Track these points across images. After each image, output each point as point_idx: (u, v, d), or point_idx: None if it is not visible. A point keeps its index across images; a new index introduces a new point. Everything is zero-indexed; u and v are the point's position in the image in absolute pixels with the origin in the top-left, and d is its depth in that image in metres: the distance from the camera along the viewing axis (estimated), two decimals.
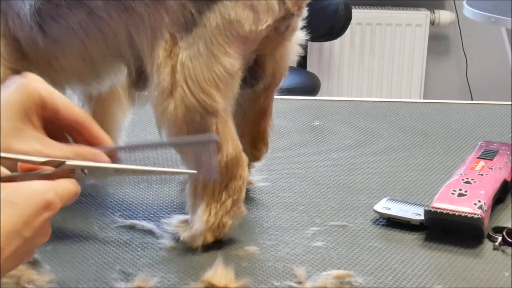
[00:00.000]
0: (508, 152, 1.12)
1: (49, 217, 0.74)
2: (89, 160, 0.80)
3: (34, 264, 0.88)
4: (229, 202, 0.92)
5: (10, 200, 0.72)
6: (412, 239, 0.97)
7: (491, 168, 1.06)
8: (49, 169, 0.77)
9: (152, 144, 0.89)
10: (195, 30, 0.89)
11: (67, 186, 0.77)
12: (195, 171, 0.87)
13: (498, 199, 1.05)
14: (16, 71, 0.99)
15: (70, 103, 0.83)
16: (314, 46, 3.35)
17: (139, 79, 0.96)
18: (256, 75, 0.98)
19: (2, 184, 0.72)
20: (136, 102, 1.00)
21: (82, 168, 0.78)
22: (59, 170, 0.77)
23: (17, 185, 0.73)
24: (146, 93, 0.96)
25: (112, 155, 0.82)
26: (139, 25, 0.92)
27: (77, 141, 0.83)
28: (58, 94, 0.83)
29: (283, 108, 1.42)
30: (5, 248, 0.71)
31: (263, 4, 0.88)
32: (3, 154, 0.76)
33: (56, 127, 0.83)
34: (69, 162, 0.78)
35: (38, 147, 0.80)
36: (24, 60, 1.01)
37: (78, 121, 0.83)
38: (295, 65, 1.04)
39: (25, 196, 0.72)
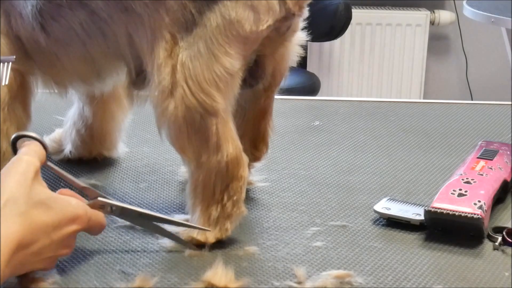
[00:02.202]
0: (508, 152, 1.12)
1: (76, 231, 0.82)
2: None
3: None
4: (229, 203, 0.92)
5: (48, 203, 0.80)
6: (412, 239, 0.97)
7: (491, 168, 1.06)
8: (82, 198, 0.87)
9: (141, 213, 0.93)
10: (196, 30, 0.89)
11: (97, 213, 0.86)
12: (209, 229, 0.92)
13: (498, 199, 1.05)
14: (19, 71, 1.00)
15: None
16: (314, 46, 3.35)
17: (138, 79, 0.96)
18: (256, 75, 0.98)
19: (46, 190, 0.81)
20: (135, 101, 1.00)
21: (111, 206, 0.89)
22: (92, 203, 0.87)
23: (57, 195, 0.82)
24: (145, 92, 0.96)
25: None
26: (138, 26, 0.92)
27: None
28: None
29: (283, 108, 1.42)
30: (34, 241, 0.77)
31: (263, 4, 0.88)
32: (54, 166, 0.85)
33: None
34: (100, 198, 0.88)
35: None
36: (27, 59, 1.01)
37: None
38: (295, 65, 1.04)
39: (61, 205, 0.81)
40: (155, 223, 0.92)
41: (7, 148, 1.02)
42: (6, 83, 0.91)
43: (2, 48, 0.99)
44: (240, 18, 0.88)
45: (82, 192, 0.89)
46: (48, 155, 0.86)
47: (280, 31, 0.94)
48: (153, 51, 0.90)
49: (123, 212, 0.90)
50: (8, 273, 0.76)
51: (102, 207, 0.88)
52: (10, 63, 0.92)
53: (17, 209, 0.76)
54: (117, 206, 0.89)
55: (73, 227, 0.82)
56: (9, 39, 0.99)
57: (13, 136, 0.86)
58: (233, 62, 0.89)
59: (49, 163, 0.87)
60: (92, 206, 0.87)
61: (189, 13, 0.88)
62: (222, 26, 0.88)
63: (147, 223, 0.93)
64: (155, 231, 0.94)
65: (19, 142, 0.85)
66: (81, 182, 0.87)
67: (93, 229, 0.86)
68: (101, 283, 0.85)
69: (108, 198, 0.89)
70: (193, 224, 0.93)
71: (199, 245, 0.93)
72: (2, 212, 0.75)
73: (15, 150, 0.85)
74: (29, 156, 0.82)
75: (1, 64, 0.91)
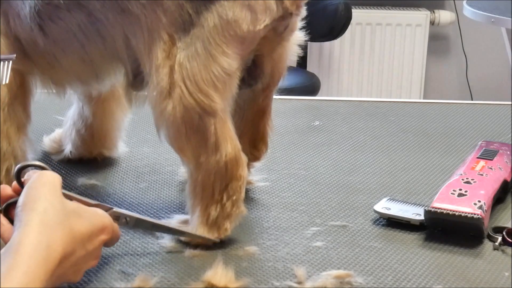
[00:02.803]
0: (508, 152, 1.12)
1: (104, 241, 0.81)
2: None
3: None
4: (229, 202, 0.92)
5: (80, 213, 0.79)
6: (412, 239, 0.97)
7: (491, 168, 1.06)
8: None
9: (153, 224, 0.93)
10: (193, 30, 0.89)
11: (115, 224, 0.85)
12: (218, 240, 0.93)
13: (498, 199, 1.05)
14: (19, 71, 1.00)
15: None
16: (314, 46, 3.35)
17: (136, 80, 0.96)
18: (254, 75, 0.98)
19: (68, 200, 0.79)
20: (133, 102, 1.00)
21: (126, 217, 0.88)
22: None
23: (82, 205, 0.81)
24: (143, 93, 0.96)
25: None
26: (135, 27, 0.92)
27: None
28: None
29: (283, 108, 1.42)
30: (73, 252, 0.76)
31: (260, 4, 0.88)
32: (64, 191, 0.81)
33: None
34: (116, 209, 0.87)
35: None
36: (26, 60, 1.01)
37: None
38: (295, 65, 1.04)
39: (90, 214, 0.80)
40: (169, 226, 0.93)
41: (7, 148, 1.02)
42: (7, 81, 0.91)
43: (2, 49, 0.99)
44: (237, 18, 0.88)
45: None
46: None
47: (277, 30, 0.93)
48: (151, 52, 0.90)
49: (137, 223, 0.89)
50: (50, 286, 0.73)
51: (117, 218, 0.87)
52: (11, 62, 0.91)
53: (57, 217, 0.75)
54: (131, 217, 0.89)
55: (102, 237, 0.81)
56: (8, 40, 0.99)
57: (17, 168, 0.84)
58: (231, 62, 0.89)
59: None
60: None
61: (186, 13, 0.88)
62: (220, 26, 0.88)
63: (160, 230, 0.93)
64: (172, 233, 0.94)
65: (24, 173, 0.83)
66: (91, 200, 0.86)
67: (113, 240, 0.85)
68: (101, 283, 0.85)
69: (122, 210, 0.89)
70: (203, 236, 0.92)
71: (199, 245, 0.93)
72: (43, 220, 0.74)
73: (19, 182, 0.83)
74: (50, 171, 0.81)
75: (2, 62, 0.91)
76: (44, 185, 0.78)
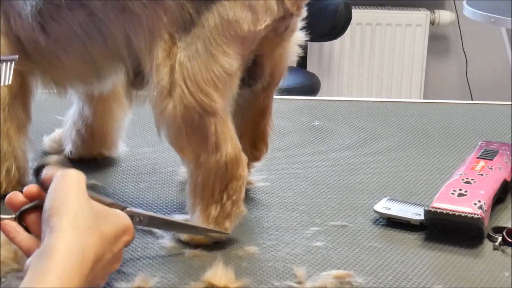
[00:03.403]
0: (508, 152, 1.12)
1: (126, 242, 0.79)
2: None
3: None
4: (229, 202, 0.92)
5: (105, 215, 0.77)
6: (412, 239, 0.97)
7: (491, 168, 1.06)
8: None
9: (168, 221, 0.93)
10: (194, 30, 0.89)
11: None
12: (228, 233, 0.93)
13: (498, 199, 1.05)
14: (19, 71, 1.00)
15: None
16: (314, 46, 3.35)
17: (137, 79, 0.96)
18: (255, 75, 0.98)
19: (93, 201, 0.77)
20: (134, 101, 1.00)
21: (139, 216, 0.87)
22: None
23: (104, 206, 0.79)
24: (144, 92, 0.96)
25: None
26: (136, 26, 0.92)
27: None
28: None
29: (283, 108, 1.42)
30: (104, 254, 0.74)
31: (261, 4, 0.88)
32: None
33: None
34: (130, 208, 0.86)
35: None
36: (26, 59, 1.01)
37: None
38: (295, 65, 1.03)
39: (113, 215, 0.78)
40: (182, 222, 0.92)
41: (7, 148, 1.02)
42: (9, 82, 0.90)
43: (2, 49, 0.99)
44: (238, 18, 0.88)
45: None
46: None
47: (278, 31, 0.94)
48: (152, 51, 0.90)
49: (150, 221, 0.89)
50: None
51: (130, 217, 0.85)
52: (13, 62, 0.91)
53: (87, 220, 0.74)
54: (145, 216, 0.88)
55: (125, 238, 0.79)
56: (9, 40, 1.00)
57: (35, 166, 0.82)
58: (232, 62, 0.89)
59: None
60: None
61: (187, 13, 0.88)
62: (220, 26, 0.88)
63: (173, 228, 0.93)
64: (185, 230, 0.93)
65: (43, 171, 0.82)
66: (107, 198, 0.84)
67: (131, 241, 0.83)
68: None
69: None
70: (216, 229, 0.92)
71: (199, 245, 0.93)
72: (74, 224, 0.72)
73: (38, 180, 0.81)
74: (74, 170, 0.79)
75: (4, 63, 0.91)
76: (70, 187, 0.76)
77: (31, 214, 0.80)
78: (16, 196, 0.81)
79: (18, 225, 0.80)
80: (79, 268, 0.70)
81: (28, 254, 0.78)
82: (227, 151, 0.91)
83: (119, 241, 0.77)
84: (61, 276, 0.68)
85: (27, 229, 0.80)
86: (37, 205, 0.80)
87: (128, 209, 0.85)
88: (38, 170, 0.81)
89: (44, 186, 0.79)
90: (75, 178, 0.77)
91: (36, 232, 0.79)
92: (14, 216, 0.80)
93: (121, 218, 0.79)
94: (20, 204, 0.81)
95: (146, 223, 0.88)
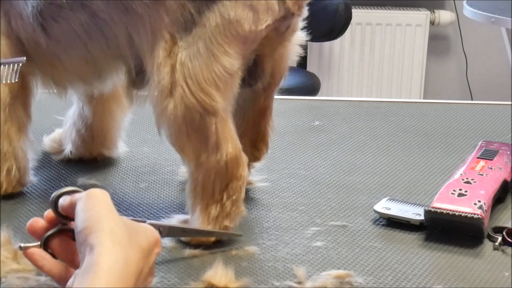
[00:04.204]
0: (508, 152, 1.12)
1: (157, 254, 0.78)
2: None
3: None
4: (229, 202, 0.92)
5: (135, 229, 0.75)
6: (412, 239, 0.97)
7: (491, 168, 1.06)
8: None
9: (192, 230, 0.94)
10: (195, 30, 0.89)
11: None
12: (241, 234, 0.94)
13: (498, 199, 1.05)
14: (20, 71, 1.00)
15: None
16: (314, 46, 3.35)
17: (138, 78, 0.96)
18: (256, 75, 0.98)
19: (122, 217, 0.76)
20: (134, 100, 1.00)
21: (159, 227, 0.86)
22: None
23: (132, 220, 0.78)
24: (145, 92, 0.96)
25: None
26: (139, 26, 0.92)
27: None
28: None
29: (283, 108, 1.42)
30: (143, 269, 0.73)
31: (262, 4, 0.88)
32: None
33: None
34: (149, 222, 0.85)
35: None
36: (27, 60, 1.00)
37: None
38: (295, 65, 1.03)
39: (143, 229, 0.77)
40: (198, 229, 0.93)
41: (8, 149, 1.02)
42: (16, 79, 0.90)
43: (3, 49, 0.99)
44: (239, 18, 0.88)
45: None
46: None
47: (279, 30, 0.94)
48: (153, 51, 0.90)
49: (170, 231, 0.89)
50: None
51: None
52: (20, 64, 0.91)
53: (124, 234, 0.72)
54: (164, 226, 0.88)
55: (156, 250, 0.78)
56: (10, 40, 1.00)
57: (54, 196, 0.80)
58: (232, 61, 0.89)
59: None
60: None
61: (188, 13, 0.88)
62: (222, 26, 0.88)
63: (190, 234, 0.93)
64: (201, 235, 0.93)
65: (61, 201, 0.80)
66: (125, 217, 0.82)
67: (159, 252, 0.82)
68: None
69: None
70: (230, 232, 0.93)
71: (199, 245, 0.93)
72: (114, 239, 0.71)
73: (56, 211, 0.79)
74: (97, 189, 0.78)
75: (12, 65, 0.90)
76: (99, 205, 0.75)
77: (55, 239, 0.79)
78: (37, 223, 0.79)
79: (44, 252, 0.78)
80: (123, 282, 0.69)
81: (59, 280, 0.77)
82: (227, 151, 0.91)
83: (152, 254, 0.76)
84: None
85: (53, 255, 0.79)
86: (60, 229, 0.79)
87: (148, 221, 0.84)
88: (56, 200, 0.79)
89: (64, 214, 0.78)
90: (101, 195, 0.76)
91: (62, 258, 0.78)
92: (39, 243, 0.79)
93: (150, 231, 0.78)
94: (43, 230, 0.79)
95: (166, 234, 0.88)
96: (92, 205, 0.75)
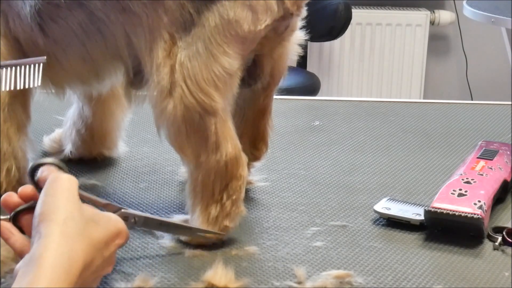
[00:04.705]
0: (508, 152, 1.12)
1: (118, 245, 0.78)
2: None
3: None
4: (228, 202, 0.92)
5: (96, 219, 0.76)
6: (412, 239, 0.97)
7: (491, 168, 1.06)
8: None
9: (162, 222, 0.93)
10: (194, 30, 0.89)
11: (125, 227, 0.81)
12: (224, 233, 0.93)
13: (498, 199, 1.05)
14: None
15: None
16: (314, 46, 3.35)
17: (136, 78, 0.96)
18: (255, 74, 0.98)
19: (87, 205, 0.78)
20: (133, 101, 1.00)
21: (135, 217, 0.87)
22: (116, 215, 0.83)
23: (97, 210, 0.79)
24: (143, 92, 0.96)
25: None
26: (137, 26, 0.92)
27: None
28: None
29: (283, 108, 1.42)
30: (93, 260, 0.74)
31: (261, 4, 0.88)
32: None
33: None
34: (125, 210, 0.86)
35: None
36: None
37: None
38: (295, 65, 1.04)
39: (105, 220, 0.77)
40: (177, 223, 0.92)
41: (7, 148, 1.02)
42: (39, 84, 0.88)
43: (1, 49, 0.99)
44: (239, 18, 0.88)
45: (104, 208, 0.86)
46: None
47: (278, 30, 0.94)
48: (152, 51, 0.90)
49: (146, 222, 0.88)
50: None
51: (125, 218, 0.85)
52: (41, 64, 0.89)
53: (76, 227, 0.73)
54: (140, 217, 0.88)
55: (117, 242, 0.78)
56: (8, 40, 0.99)
57: (30, 167, 0.81)
58: (232, 61, 0.89)
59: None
60: None
61: (187, 13, 0.88)
62: (221, 26, 0.88)
63: (169, 229, 0.92)
64: (180, 232, 0.93)
65: (38, 172, 0.81)
66: (101, 199, 0.85)
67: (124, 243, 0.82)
68: (101, 283, 0.85)
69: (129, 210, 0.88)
70: (211, 230, 0.92)
71: (199, 245, 0.93)
72: (63, 231, 0.72)
73: (33, 181, 0.81)
74: (66, 174, 0.79)
75: (32, 65, 0.89)
76: (61, 192, 0.76)
77: (26, 215, 0.80)
78: (11, 197, 0.81)
79: (12, 226, 0.79)
80: (66, 276, 0.69)
81: (21, 255, 0.77)
82: (227, 151, 0.91)
83: (110, 245, 0.77)
84: (50, 285, 0.68)
85: (21, 230, 0.80)
86: (32, 206, 0.79)
87: (123, 210, 0.85)
88: (33, 171, 0.81)
89: (39, 187, 0.79)
90: (67, 182, 0.77)
91: (30, 234, 0.78)
92: (8, 217, 0.80)
93: (113, 222, 0.78)
94: (15, 205, 0.80)
95: (141, 224, 0.88)
96: (53, 191, 0.76)
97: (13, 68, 0.87)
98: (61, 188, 0.76)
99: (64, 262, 0.70)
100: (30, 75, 0.88)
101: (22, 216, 0.80)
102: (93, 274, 0.75)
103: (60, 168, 0.82)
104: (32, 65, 0.88)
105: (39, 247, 0.71)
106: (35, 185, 0.80)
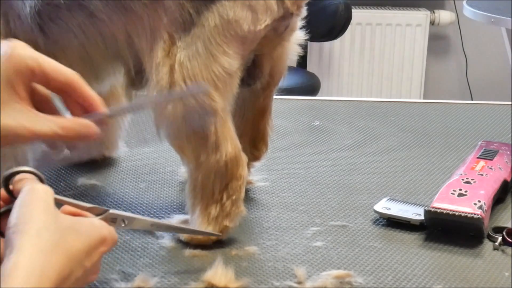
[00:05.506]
0: (508, 152, 1.12)
1: (103, 253, 0.74)
2: (81, 133, 0.81)
3: None
4: (228, 202, 0.92)
5: (76, 228, 0.72)
6: (412, 239, 0.97)
7: (491, 168, 1.06)
8: (91, 215, 0.79)
9: (138, 105, 0.90)
10: (194, 30, 0.89)
11: (113, 230, 0.77)
12: (220, 234, 0.92)
13: (498, 199, 1.05)
14: None
15: (58, 65, 0.83)
16: (314, 46, 3.35)
17: (136, 78, 0.96)
18: (254, 74, 0.98)
19: (63, 215, 0.73)
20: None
21: (123, 218, 0.82)
22: (103, 218, 0.80)
23: (78, 217, 0.75)
24: (144, 92, 0.96)
25: (103, 123, 0.83)
26: (138, 26, 0.92)
27: (67, 103, 0.84)
28: (45, 58, 0.82)
29: (283, 108, 1.42)
30: (71, 272, 0.70)
31: (261, 4, 0.88)
32: (56, 196, 0.75)
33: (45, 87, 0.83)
34: (112, 211, 0.81)
35: (24, 122, 0.79)
36: None
37: (67, 82, 0.83)
38: (295, 65, 1.04)
39: (86, 227, 0.73)
40: (169, 224, 0.91)
41: (7, 149, 1.02)
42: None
43: None
44: (238, 18, 0.88)
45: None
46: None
47: (278, 30, 0.94)
48: (152, 51, 0.90)
49: (136, 223, 0.84)
50: None
51: (114, 220, 0.81)
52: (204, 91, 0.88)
53: (51, 238, 0.69)
54: (129, 218, 0.83)
55: (101, 250, 0.74)
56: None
57: (4, 176, 0.77)
58: (232, 61, 0.89)
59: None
60: (104, 221, 0.79)
61: (187, 13, 0.88)
62: (220, 26, 0.88)
63: (161, 228, 0.90)
64: (172, 231, 0.92)
65: (13, 180, 0.76)
66: (85, 203, 0.80)
67: (110, 249, 0.78)
68: (101, 283, 0.85)
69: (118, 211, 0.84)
70: (205, 231, 0.92)
71: (199, 245, 0.93)
72: (36, 244, 0.68)
73: (8, 190, 0.76)
74: (41, 184, 0.75)
75: (192, 92, 0.89)
76: (36, 203, 0.71)
77: (5, 219, 0.74)
78: None
79: None
80: None
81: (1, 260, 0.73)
82: (227, 151, 0.91)
83: (93, 254, 0.73)
84: None
85: (1, 233, 0.76)
86: (10, 209, 0.74)
87: (110, 211, 0.81)
88: (7, 179, 0.76)
89: (13, 196, 0.75)
90: (42, 193, 0.73)
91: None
92: None
93: (96, 229, 0.74)
94: None
95: (131, 226, 0.84)
96: (28, 202, 0.72)
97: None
98: (36, 199, 0.72)
99: (35, 280, 0.66)
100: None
101: (2, 220, 0.75)
102: (74, 284, 0.71)
103: (36, 176, 0.78)
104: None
105: (9, 262, 0.66)
106: (9, 194, 0.76)
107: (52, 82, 0.82)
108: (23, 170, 0.77)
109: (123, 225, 0.83)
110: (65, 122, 0.81)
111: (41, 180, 0.78)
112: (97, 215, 0.80)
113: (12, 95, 0.78)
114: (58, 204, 0.76)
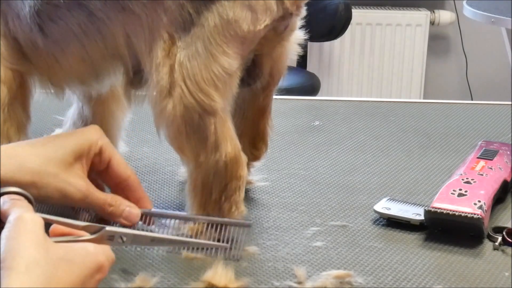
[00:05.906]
0: (508, 152, 1.12)
1: (99, 280, 0.72)
2: (123, 210, 0.89)
3: None
4: (228, 202, 0.92)
5: (68, 258, 0.69)
6: (412, 239, 0.97)
7: (491, 168, 1.06)
8: (85, 234, 0.77)
9: (184, 216, 0.92)
10: (193, 30, 0.89)
11: (110, 251, 0.75)
12: (227, 245, 0.89)
13: (498, 199, 1.05)
14: (19, 71, 1.00)
15: (123, 160, 0.90)
16: (314, 46, 3.35)
17: (135, 78, 0.96)
18: (254, 74, 0.98)
19: (58, 244, 0.70)
20: (133, 101, 1.00)
21: (121, 235, 0.79)
22: (99, 236, 0.78)
23: (71, 245, 0.72)
24: (143, 92, 0.96)
25: (146, 219, 0.90)
26: (136, 26, 0.92)
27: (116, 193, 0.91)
28: (113, 148, 0.89)
29: (283, 108, 1.42)
30: None
31: (261, 4, 0.88)
32: (46, 216, 0.73)
33: (101, 178, 0.91)
34: (108, 228, 0.78)
35: (83, 184, 0.86)
36: (24, 60, 1.00)
37: (126, 179, 0.90)
38: (295, 65, 1.04)
39: (81, 256, 0.70)
40: (170, 238, 0.87)
41: None
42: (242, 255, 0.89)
43: (1, 50, 0.99)
44: (238, 18, 0.88)
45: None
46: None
47: (277, 30, 0.94)
48: (151, 51, 0.90)
49: (135, 240, 0.80)
50: None
51: (111, 238, 0.78)
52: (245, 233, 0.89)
53: (42, 273, 0.65)
54: (127, 234, 0.79)
55: (97, 277, 0.71)
56: (7, 41, 0.99)
57: None
58: (231, 61, 0.89)
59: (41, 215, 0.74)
60: (99, 240, 0.77)
61: (186, 13, 0.88)
62: (220, 26, 0.88)
63: (162, 243, 0.86)
64: (174, 245, 0.89)
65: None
66: (79, 222, 0.78)
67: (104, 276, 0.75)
68: (101, 283, 0.85)
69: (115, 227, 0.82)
70: (210, 242, 0.90)
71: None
72: (26, 280, 0.64)
73: None
74: (30, 213, 0.71)
75: (238, 228, 0.90)
76: (24, 235, 0.68)
77: None
78: None
79: None
80: None
81: None
82: (226, 151, 0.91)
83: (88, 284, 0.70)
84: None
85: None
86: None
87: (107, 228, 0.78)
88: None
89: (0, 219, 0.72)
90: (31, 223, 0.69)
91: None
92: None
93: (91, 257, 0.71)
94: None
95: (130, 242, 0.80)
96: (16, 234, 0.68)
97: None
98: (24, 231, 0.68)
99: None
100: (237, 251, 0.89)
101: None
102: None
103: (24, 197, 0.75)
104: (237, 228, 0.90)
105: None
106: None
107: (112, 172, 0.89)
108: (11, 191, 0.75)
109: (121, 241, 0.79)
110: (115, 196, 0.90)
111: (30, 201, 0.75)
112: (93, 233, 0.77)
113: (77, 162, 0.86)
114: (48, 223, 0.73)
